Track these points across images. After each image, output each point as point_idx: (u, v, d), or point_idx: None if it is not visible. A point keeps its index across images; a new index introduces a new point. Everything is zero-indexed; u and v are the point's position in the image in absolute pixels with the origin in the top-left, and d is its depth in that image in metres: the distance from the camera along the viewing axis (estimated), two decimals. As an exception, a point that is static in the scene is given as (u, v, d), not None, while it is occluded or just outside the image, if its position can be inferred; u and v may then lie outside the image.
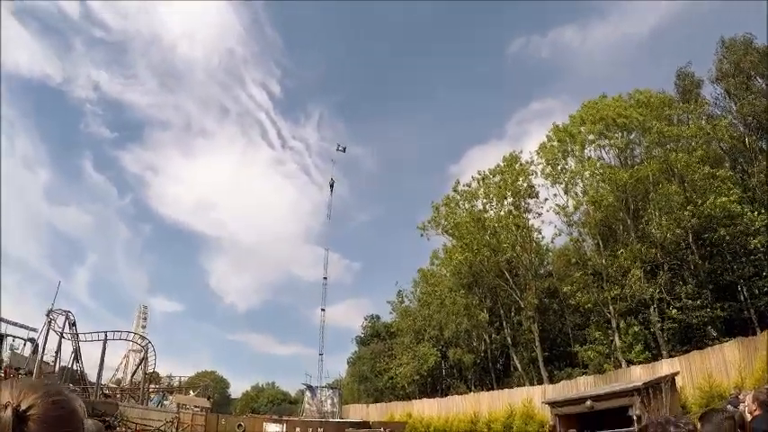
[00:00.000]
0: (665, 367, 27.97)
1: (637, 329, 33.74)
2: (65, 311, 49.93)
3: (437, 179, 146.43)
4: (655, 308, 32.57)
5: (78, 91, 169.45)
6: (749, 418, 4.86)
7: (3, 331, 49.42)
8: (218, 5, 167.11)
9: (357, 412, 59.68)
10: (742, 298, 31.79)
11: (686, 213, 32.07)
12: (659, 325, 32.21)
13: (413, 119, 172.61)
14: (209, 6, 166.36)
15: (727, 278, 32.12)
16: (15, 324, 49.39)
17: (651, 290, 32.24)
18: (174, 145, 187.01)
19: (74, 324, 50.61)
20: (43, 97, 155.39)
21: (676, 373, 25.87)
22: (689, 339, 31.53)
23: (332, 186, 75.91)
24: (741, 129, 34.84)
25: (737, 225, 31.53)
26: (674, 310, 31.57)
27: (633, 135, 37.55)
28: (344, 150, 79.51)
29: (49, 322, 48.04)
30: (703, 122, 34.90)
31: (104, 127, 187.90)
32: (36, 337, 49.34)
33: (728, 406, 21.05)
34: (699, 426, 3.00)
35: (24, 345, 49.99)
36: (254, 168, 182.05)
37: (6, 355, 47.74)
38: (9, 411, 1.15)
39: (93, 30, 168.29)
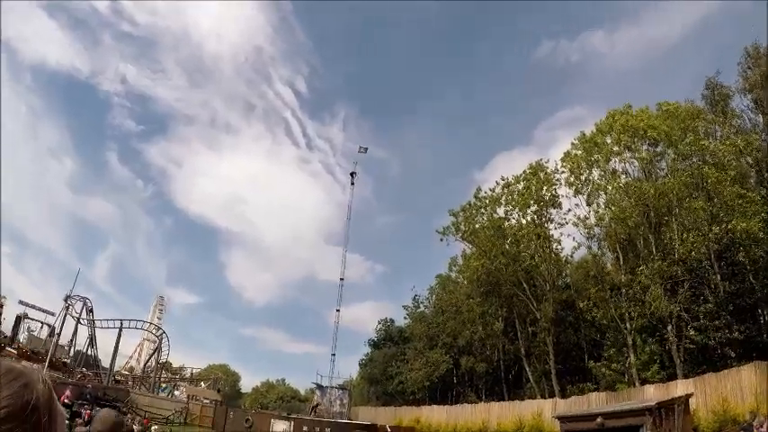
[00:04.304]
0: (679, 388, 27.18)
1: (653, 348, 32.95)
2: (83, 298, 50.82)
3: (462, 185, 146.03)
4: (673, 327, 31.74)
5: (106, 84, 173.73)
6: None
7: (24, 313, 50.45)
8: (247, 4, 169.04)
9: (366, 414, 59.50)
10: (762, 321, 30.87)
11: (712, 234, 31.11)
12: (676, 344, 31.39)
13: (440, 122, 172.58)
14: (237, 5, 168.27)
15: (747, 300, 31.19)
16: (34, 307, 50.38)
17: (671, 308, 31.36)
18: (198, 140, 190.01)
19: (91, 310, 51.40)
20: (71, 89, 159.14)
21: (690, 395, 25.07)
22: (705, 361, 30.66)
23: (353, 177, 74.95)
24: (768, 142, 33.72)
25: (760, 247, 30.66)
26: (692, 331, 30.74)
27: (659, 147, 36.68)
28: (366, 151, 78.95)
29: (67, 307, 48.77)
30: (738, 140, 33.58)
31: (131, 119, 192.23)
32: (53, 322, 50.18)
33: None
34: None
35: (41, 328, 50.90)
36: (278, 166, 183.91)
37: (24, 337, 48.62)
38: None
39: (122, 24, 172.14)
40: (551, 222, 44.17)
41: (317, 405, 52.78)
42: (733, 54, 36.44)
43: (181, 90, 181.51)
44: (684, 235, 32.20)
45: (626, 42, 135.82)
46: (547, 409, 36.01)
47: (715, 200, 32.48)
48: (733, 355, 29.28)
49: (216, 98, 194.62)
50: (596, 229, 40.84)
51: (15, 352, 43.44)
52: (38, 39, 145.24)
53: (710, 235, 31.05)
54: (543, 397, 40.44)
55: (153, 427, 33.28)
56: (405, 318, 68.23)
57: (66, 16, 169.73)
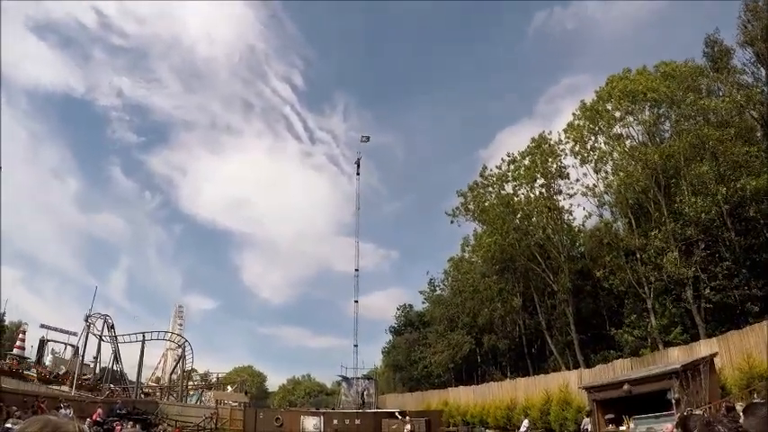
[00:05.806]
0: (702, 348, 27.10)
1: (673, 311, 32.81)
2: (103, 315, 51.20)
3: (468, 164, 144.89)
4: (690, 287, 31.57)
5: (102, 99, 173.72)
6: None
7: (45, 337, 51.21)
8: (235, 4, 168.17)
9: (393, 402, 59.86)
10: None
11: (719, 195, 30.80)
12: (696, 305, 31.23)
13: (441, 104, 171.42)
14: (225, 6, 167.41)
15: (763, 255, 30.89)
16: (55, 329, 51.05)
17: (688, 271, 31.16)
18: (200, 145, 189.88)
19: (112, 327, 51.82)
20: (68, 108, 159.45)
21: (714, 355, 25.04)
22: (727, 319, 30.47)
23: (358, 165, 74.56)
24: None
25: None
26: (709, 290, 30.56)
27: (662, 109, 36.27)
28: (368, 140, 78.49)
29: (88, 326, 49.27)
30: (739, 96, 33.01)
31: (130, 132, 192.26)
32: (76, 342, 50.88)
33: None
34: (743, 417, 2.81)
35: (65, 349, 51.60)
36: (283, 163, 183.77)
37: (49, 359, 49.32)
38: None
39: (112, 37, 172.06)
40: (560, 194, 43.90)
41: (364, 391, 53.20)
42: (731, 10, 35.64)
43: (177, 97, 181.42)
44: (693, 198, 31.86)
45: (620, 5, 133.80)
46: (573, 380, 36.06)
47: (720, 159, 32.12)
48: (757, 309, 29.03)
49: (213, 101, 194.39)
50: (606, 197, 40.69)
51: (35, 376, 44.06)
52: (30, 62, 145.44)
53: (719, 196, 30.75)
54: (568, 368, 40.46)
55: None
56: (423, 302, 68.52)
57: (57, 36, 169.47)
